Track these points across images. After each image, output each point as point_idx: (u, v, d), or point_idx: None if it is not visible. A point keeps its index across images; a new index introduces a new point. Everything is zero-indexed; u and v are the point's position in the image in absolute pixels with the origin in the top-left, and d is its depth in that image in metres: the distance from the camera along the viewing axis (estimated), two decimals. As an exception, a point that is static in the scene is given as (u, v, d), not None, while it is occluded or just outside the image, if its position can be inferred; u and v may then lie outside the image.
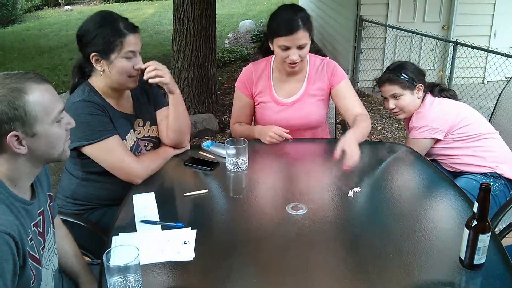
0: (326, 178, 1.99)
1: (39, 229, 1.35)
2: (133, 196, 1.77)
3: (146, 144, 2.06)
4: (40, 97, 1.25)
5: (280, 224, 1.61)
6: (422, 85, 2.37)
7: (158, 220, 1.62)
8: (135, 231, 1.57)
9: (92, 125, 1.80)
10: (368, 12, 6.14)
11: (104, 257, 1.26)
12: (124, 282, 1.28)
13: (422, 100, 2.39)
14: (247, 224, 1.65)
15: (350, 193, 1.77)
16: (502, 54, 4.45)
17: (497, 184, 2.24)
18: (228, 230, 1.63)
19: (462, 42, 4.98)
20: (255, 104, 2.40)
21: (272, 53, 2.29)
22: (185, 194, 1.79)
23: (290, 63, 2.18)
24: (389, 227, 1.60)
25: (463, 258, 1.34)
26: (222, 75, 6.85)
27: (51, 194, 1.50)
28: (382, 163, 2.14)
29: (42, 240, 1.36)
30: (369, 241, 1.51)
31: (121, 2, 15.24)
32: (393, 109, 2.41)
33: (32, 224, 1.32)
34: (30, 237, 1.28)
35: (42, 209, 1.39)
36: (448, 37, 6.09)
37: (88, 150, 1.82)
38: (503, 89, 2.69)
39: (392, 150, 2.29)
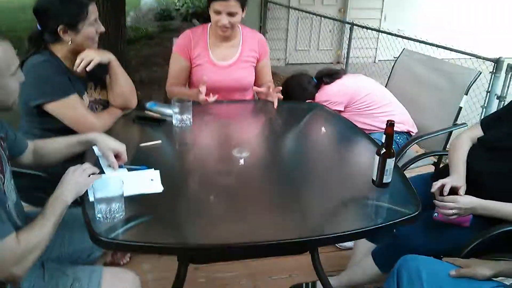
0: (264, 130, 2.38)
1: None
2: (93, 147, 1.95)
3: (97, 106, 2.25)
4: (3, 53, 1.45)
5: (228, 163, 1.92)
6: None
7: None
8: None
9: (55, 83, 1.96)
10: (273, -6, 6.55)
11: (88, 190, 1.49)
12: (109, 210, 1.50)
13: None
14: (203, 164, 1.95)
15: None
16: (392, 34, 5.05)
17: (398, 137, 2.73)
18: (188, 170, 1.93)
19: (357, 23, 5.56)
20: (192, 66, 2.66)
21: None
22: (141, 144, 2.03)
23: (220, 27, 2.50)
24: (316, 162, 2.00)
25: (375, 179, 1.75)
26: (128, 52, 6.85)
27: (2, 136, 1.62)
28: (304, 117, 2.56)
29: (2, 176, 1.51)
30: (298, 174, 1.86)
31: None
32: None
33: None
34: None
35: None
36: (344, 20, 6.70)
37: (51, 107, 1.97)
38: (394, 64, 3.20)
39: (311, 107, 2.73)
